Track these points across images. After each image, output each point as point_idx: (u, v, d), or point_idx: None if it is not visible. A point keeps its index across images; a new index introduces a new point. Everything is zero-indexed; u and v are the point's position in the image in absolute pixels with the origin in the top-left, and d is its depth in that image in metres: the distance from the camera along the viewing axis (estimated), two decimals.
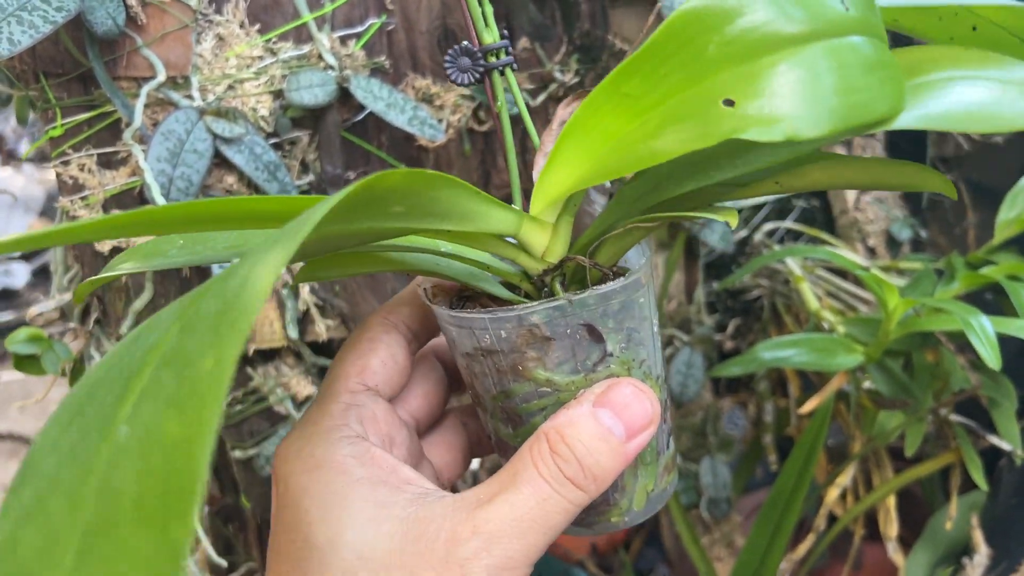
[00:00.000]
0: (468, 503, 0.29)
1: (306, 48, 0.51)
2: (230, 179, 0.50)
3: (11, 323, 1.87)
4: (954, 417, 0.60)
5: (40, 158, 2.55)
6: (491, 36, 0.34)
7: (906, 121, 0.24)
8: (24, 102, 0.53)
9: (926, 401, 0.57)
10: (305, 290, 0.53)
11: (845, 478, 0.62)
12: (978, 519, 0.61)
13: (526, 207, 0.32)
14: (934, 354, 0.59)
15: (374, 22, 0.53)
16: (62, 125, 0.48)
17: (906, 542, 0.64)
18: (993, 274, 0.55)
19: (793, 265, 0.67)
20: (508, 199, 0.33)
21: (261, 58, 0.50)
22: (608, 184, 0.38)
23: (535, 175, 0.34)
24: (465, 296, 0.36)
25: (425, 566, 0.28)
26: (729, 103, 0.22)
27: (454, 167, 0.57)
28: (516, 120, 0.54)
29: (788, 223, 0.73)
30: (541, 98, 0.58)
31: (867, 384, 0.59)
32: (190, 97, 0.49)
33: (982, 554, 0.60)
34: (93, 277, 0.32)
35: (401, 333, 0.36)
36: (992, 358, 0.46)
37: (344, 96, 0.52)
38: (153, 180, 0.46)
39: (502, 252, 0.32)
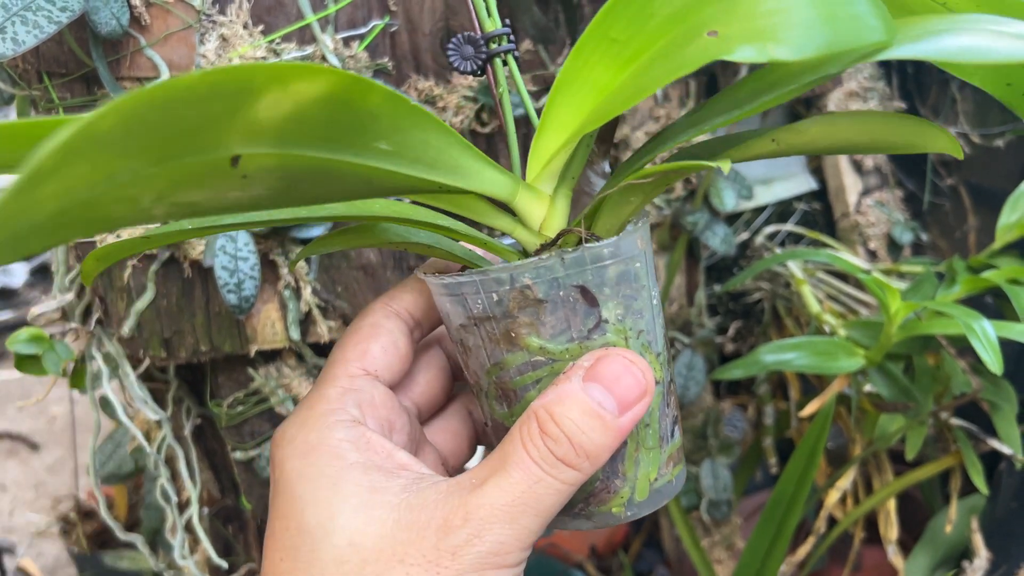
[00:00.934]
0: (460, 488, 0.29)
1: (309, 49, 0.51)
2: None
3: (9, 322, 1.87)
4: (955, 421, 0.60)
5: None
6: (493, 25, 0.34)
7: (908, 52, 0.23)
8: (26, 101, 0.53)
9: (927, 405, 0.57)
10: (307, 291, 0.53)
11: (845, 481, 0.62)
12: (978, 522, 0.61)
13: None
14: (935, 358, 0.59)
15: (377, 24, 0.53)
16: None
17: (906, 545, 0.64)
18: (994, 278, 0.55)
19: (794, 268, 0.67)
20: None
21: (264, 59, 0.50)
22: (607, 168, 0.38)
23: None
24: None
25: (416, 554, 0.28)
26: (713, 34, 0.22)
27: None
28: (524, 122, 0.55)
29: (789, 226, 0.73)
30: (544, 100, 0.58)
31: (868, 387, 0.59)
32: None
33: (982, 557, 0.60)
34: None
35: (403, 320, 0.36)
36: (994, 362, 0.46)
37: None
38: None
39: (499, 224, 0.32)
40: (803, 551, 0.63)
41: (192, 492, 0.58)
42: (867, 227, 0.72)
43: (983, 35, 0.23)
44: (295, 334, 0.53)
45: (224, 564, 0.58)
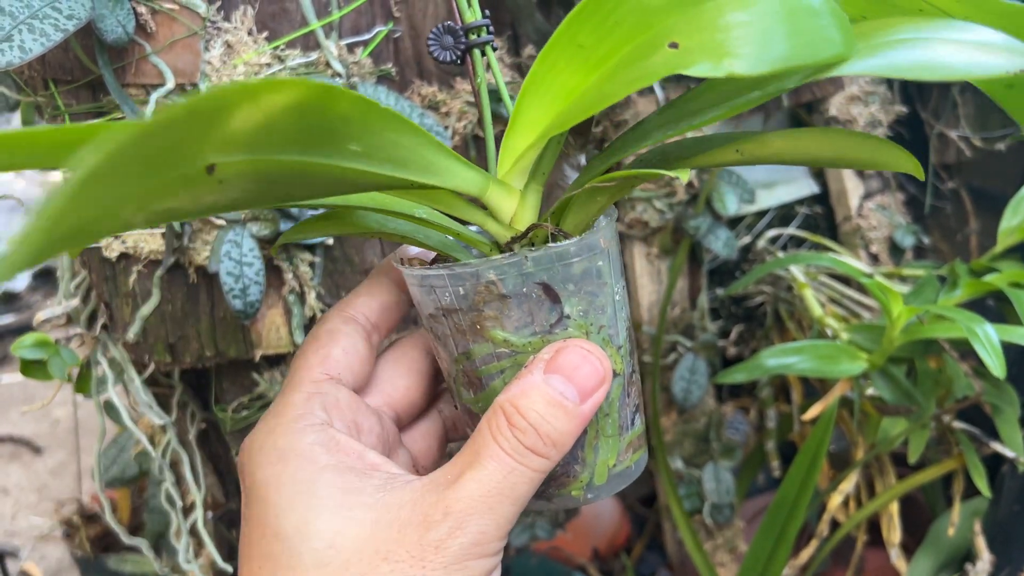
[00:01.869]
0: (437, 484, 0.30)
1: (314, 55, 0.51)
2: None
3: (11, 326, 1.88)
4: (957, 424, 0.60)
5: None
6: (474, 16, 0.35)
7: (854, 68, 0.24)
8: (30, 108, 0.53)
9: (929, 408, 0.57)
10: (311, 296, 0.53)
11: (848, 484, 0.62)
12: (980, 525, 0.61)
13: None
14: (937, 361, 0.59)
15: (381, 30, 0.53)
16: None
17: (908, 548, 0.64)
18: (996, 282, 0.55)
19: (796, 272, 0.68)
20: None
21: (269, 65, 0.50)
22: (583, 161, 0.38)
23: None
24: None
25: (399, 551, 0.28)
26: (673, 46, 0.23)
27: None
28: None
29: (791, 230, 0.73)
30: None
31: (870, 391, 0.59)
32: None
33: (984, 560, 0.60)
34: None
35: (360, 324, 0.36)
36: (997, 366, 0.47)
37: None
38: None
39: (470, 217, 0.33)
40: (806, 554, 0.63)
41: (196, 496, 0.58)
42: (869, 231, 0.72)
43: (943, 46, 0.23)
44: (300, 338, 0.53)
45: (228, 568, 0.58)
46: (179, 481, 0.60)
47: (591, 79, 0.25)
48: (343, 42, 0.52)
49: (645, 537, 0.85)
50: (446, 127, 0.55)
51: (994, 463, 0.61)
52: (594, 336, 0.33)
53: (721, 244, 0.66)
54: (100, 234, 0.21)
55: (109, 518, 0.58)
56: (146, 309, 0.51)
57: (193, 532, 0.59)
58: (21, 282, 2.01)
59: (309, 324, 0.54)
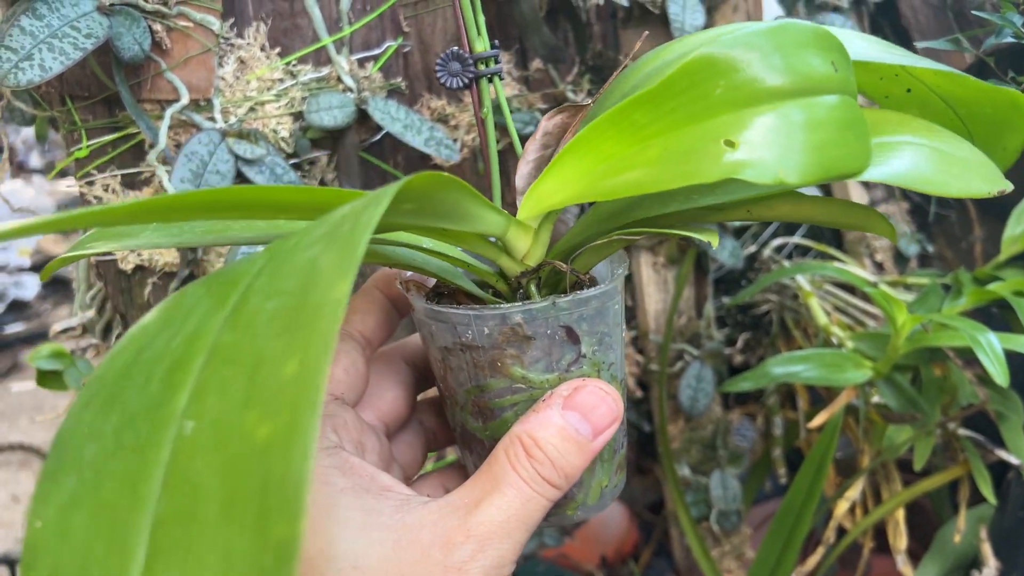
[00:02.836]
0: (455, 508, 0.31)
1: (325, 70, 0.52)
2: None
3: (22, 334, 1.89)
4: (962, 431, 0.61)
5: (49, 169, 2.57)
6: (482, 45, 0.35)
7: (871, 175, 0.28)
8: (44, 122, 0.54)
9: (934, 415, 0.57)
10: None
11: (854, 491, 0.62)
12: (986, 532, 0.61)
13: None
14: (942, 368, 0.60)
15: (391, 44, 0.54)
16: (87, 146, 0.50)
17: (915, 555, 0.64)
18: (999, 290, 0.56)
19: (802, 280, 0.68)
20: (512, 210, 0.34)
21: (281, 80, 0.51)
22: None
23: (517, 181, 0.35)
24: (440, 292, 0.37)
25: (423, 571, 0.29)
26: (729, 144, 0.25)
27: (482, 185, 0.58)
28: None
29: (796, 238, 0.74)
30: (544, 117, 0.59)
31: (876, 398, 0.60)
32: (212, 119, 0.50)
33: (990, 567, 0.60)
34: (63, 255, 0.32)
35: (356, 340, 0.37)
36: (1000, 375, 0.47)
37: (362, 117, 0.53)
38: None
39: (484, 252, 0.34)
40: (813, 561, 0.64)
41: None
42: (873, 239, 0.73)
43: (936, 160, 0.29)
44: None
45: None
46: None
47: (634, 148, 0.27)
48: (354, 57, 0.53)
49: (653, 544, 0.85)
50: (455, 140, 0.56)
51: (1000, 470, 0.62)
52: (604, 373, 0.34)
53: (727, 253, 0.66)
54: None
55: None
56: None
57: None
58: (31, 290, 2.02)
59: None
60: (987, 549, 0.61)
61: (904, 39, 0.71)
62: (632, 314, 0.70)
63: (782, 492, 0.60)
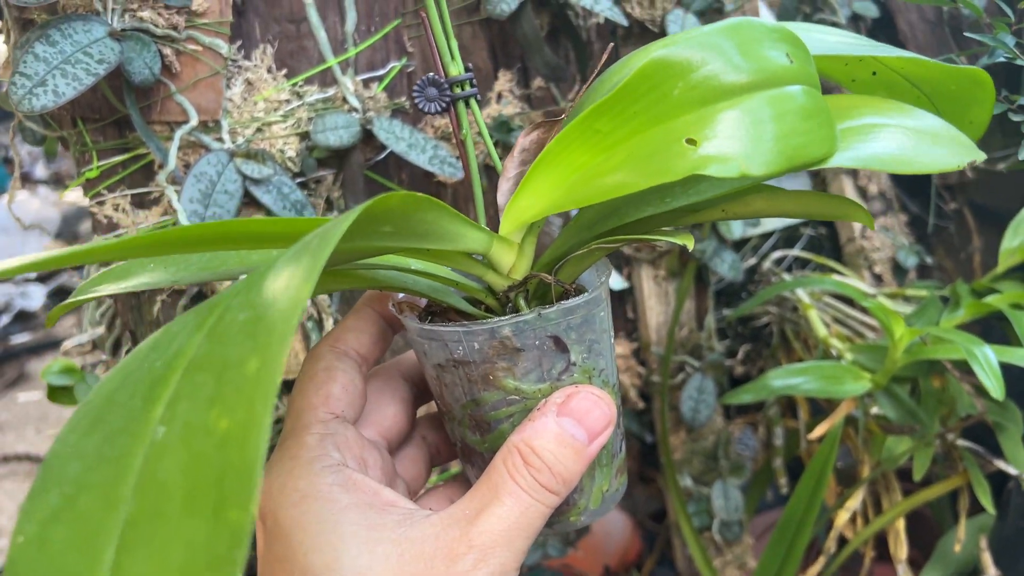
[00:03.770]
0: (456, 520, 0.31)
1: (331, 91, 0.53)
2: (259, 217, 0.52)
3: (28, 344, 1.90)
4: (961, 442, 0.61)
5: (55, 181, 2.58)
6: (456, 69, 0.36)
7: (838, 161, 0.28)
8: (54, 141, 0.55)
9: (933, 426, 0.58)
10: (329, 323, 0.55)
11: (855, 501, 0.63)
12: (987, 541, 0.62)
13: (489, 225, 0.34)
14: (940, 380, 0.60)
15: (395, 65, 0.55)
16: (98, 167, 0.51)
17: (916, 564, 0.65)
18: (997, 303, 0.57)
19: (801, 293, 0.69)
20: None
21: (288, 101, 0.52)
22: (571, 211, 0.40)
23: (499, 198, 0.36)
24: (432, 311, 0.38)
25: None
26: (691, 142, 0.25)
27: (472, 202, 0.59)
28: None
29: (796, 251, 0.75)
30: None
31: (875, 409, 0.61)
32: (221, 140, 0.51)
33: None
34: (67, 302, 0.33)
35: (352, 358, 0.38)
36: (996, 388, 0.48)
37: (367, 137, 0.54)
38: (186, 220, 0.48)
39: (470, 269, 0.35)
40: (814, 571, 0.64)
41: None
42: (872, 251, 0.74)
43: (902, 137, 0.29)
44: None
45: None
46: None
47: (601, 157, 0.27)
48: (359, 78, 0.54)
49: (656, 553, 0.86)
50: (458, 158, 0.57)
51: (999, 480, 0.62)
52: (596, 380, 0.35)
53: (727, 266, 0.67)
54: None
55: None
56: None
57: None
58: (36, 301, 2.03)
59: None
60: (987, 559, 0.61)
61: None
62: (634, 326, 0.71)
63: (783, 502, 0.61)
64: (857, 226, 0.74)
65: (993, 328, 0.65)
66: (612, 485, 0.37)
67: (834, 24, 0.69)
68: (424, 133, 0.55)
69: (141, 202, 0.52)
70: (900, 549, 0.63)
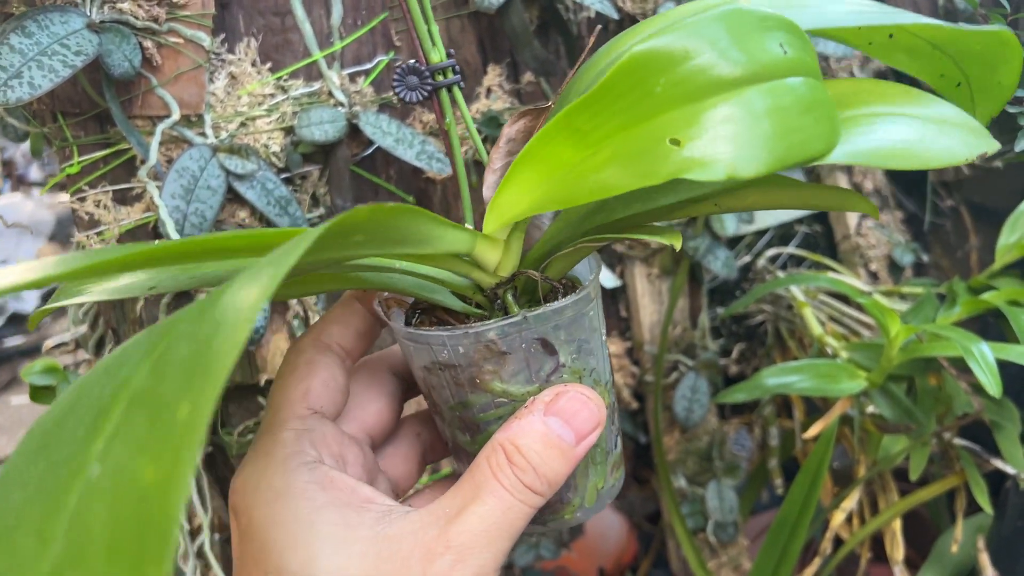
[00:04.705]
0: (436, 518, 0.31)
1: (316, 85, 0.52)
2: (242, 214, 0.51)
3: (21, 347, 1.89)
4: (958, 440, 0.60)
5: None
6: (438, 55, 0.35)
7: (837, 156, 0.26)
8: (39, 138, 0.54)
9: (929, 425, 0.57)
10: (315, 320, 0.54)
11: (851, 501, 0.62)
12: (984, 541, 0.61)
13: (477, 221, 0.34)
14: (937, 378, 0.59)
15: (382, 59, 0.54)
16: (79, 162, 0.50)
17: (913, 564, 0.64)
18: (993, 300, 0.56)
19: (796, 291, 0.68)
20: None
21: (272, 96, 0.51)
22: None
23: (485, 191, 0.35)
24: (420, 308, 0.37)
25: None
26: (675, 142, 0.24)
27: (460, 198, 0.58)
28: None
29: (791, 249, 0.74)
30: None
31: (871, 408, 0.60)
32: (203, 135, 0.50)
33: None
34: (46, 307, 0.33)
35: (335, 353, 0.37)
36: (992, 385, 0.47)
37: (353, 131, 0.53)
38: (168, 216, 0.48)
39: (457, 268, 0.34)
40: (810, 572, 0.63)
41: (204, 519, 0.58)
42: (868, 249, 0.73)
43: (908, 127, 0.27)
44: None
45: None
46: (186, 504, 0.60)
47: (584, 154, 0.26)
48: (345, 72, 0.53)
49: (651, 555, 0.85)
50: (446, 153, 0.56)
51: (996, 479, 0.61)
52: (586, 379, 0.34)
53: (720, 264, 0.66)
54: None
55: None
56: None
57: (200, 554, 0.60)
58: (30, 304, 2.02)
59: None
60: (985, 559, 0.60)
61: None
62: (627, 325, 0.70)
63: (779, 503, 0.60)
64: (852, 223, 0.73)
65: (990, 325, 0.64)
66: (607, 482, 0.36)
67: None
68: (412, 128, 0.54)
69: (123, 198, 0.51)
70: (897, 549, 0.62)
